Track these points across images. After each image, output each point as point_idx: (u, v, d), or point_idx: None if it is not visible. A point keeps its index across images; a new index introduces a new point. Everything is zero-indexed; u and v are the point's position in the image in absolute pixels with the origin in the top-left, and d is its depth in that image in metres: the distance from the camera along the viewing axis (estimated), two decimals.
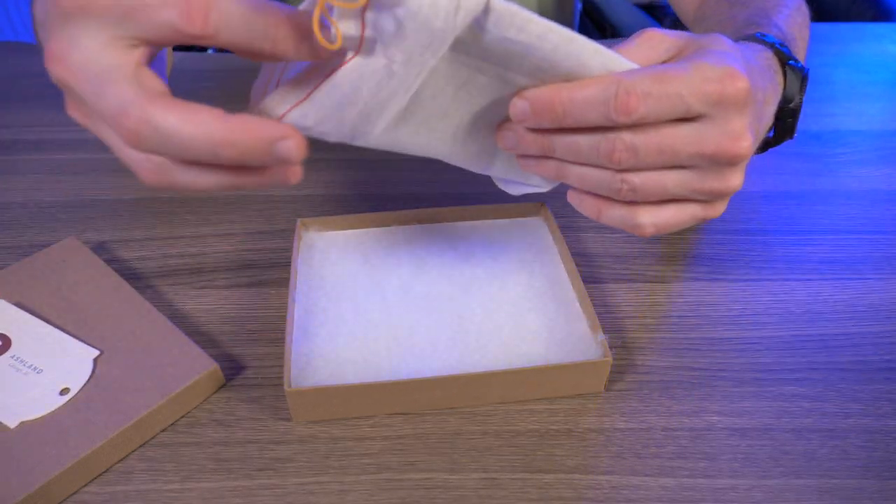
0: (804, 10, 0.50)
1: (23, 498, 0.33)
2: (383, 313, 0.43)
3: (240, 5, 0.26)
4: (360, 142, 0.32)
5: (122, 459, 0.37)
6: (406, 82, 0.29)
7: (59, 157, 0.60)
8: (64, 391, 0.38)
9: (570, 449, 0.38)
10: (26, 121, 0.64)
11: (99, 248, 0.50)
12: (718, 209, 0.35)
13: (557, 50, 0.29)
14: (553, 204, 0.52)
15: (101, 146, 0.61)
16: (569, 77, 0.31)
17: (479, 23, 0.28)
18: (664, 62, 0.34)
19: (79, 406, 0.37)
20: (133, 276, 0.47)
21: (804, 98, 0.41)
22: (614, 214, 0.35)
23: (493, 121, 0.35)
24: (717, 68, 0.30)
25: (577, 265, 0.45)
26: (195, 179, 0.28)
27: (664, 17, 1.42)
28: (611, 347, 0.41)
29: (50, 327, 0.41)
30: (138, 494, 0.35)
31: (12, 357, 0.39)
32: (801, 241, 0.51)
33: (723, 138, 0.31)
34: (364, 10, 0.27)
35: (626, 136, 0.31)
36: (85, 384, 0.38)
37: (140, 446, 0.38)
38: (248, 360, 0.42)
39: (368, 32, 0.28)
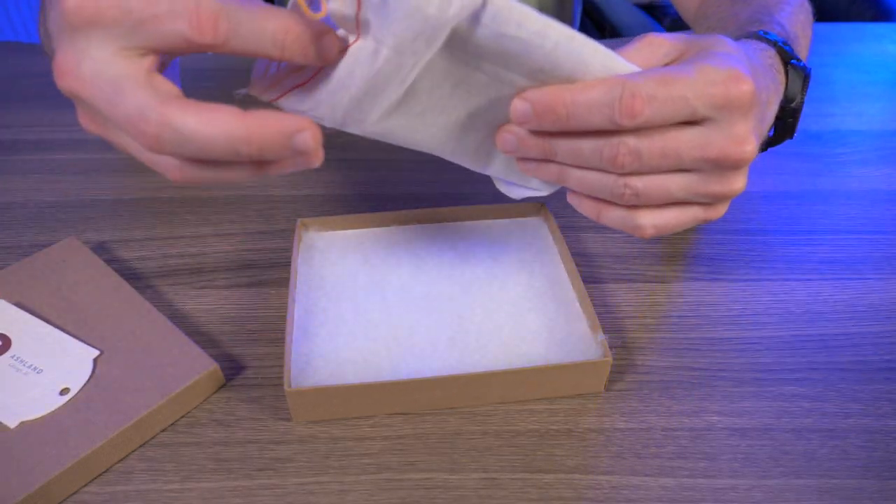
0: (807, 8, 0.50)
1: (23, 498, 0.33)
2: (383, 313, 0.43)
3: (248, 13, 0.26)
4: (354, 129, 0.32)
5: (122, 459, 0.37)
6: (400, 72, 0.29)
7: (59, 157, 0.60)
8: (64, 391, 0.38)
9: (570, 449, 0.38)
10: (26, 121, 0.64)
11: (99, 248, 0.50)
12: (720, 211, 0.35)
13: (558, 48, 0.29)
14: (553, 204, 0.52)
15: (102, 146, 0.61)
16: (569, 78, 0.30)
17: (476, 18, 0.27)
18: (665, 65, 0.34)
19: (79, 406, 0.37)
20: (133, 276, 0.47)
21: (805, 98, 0.41)
22: (614, 216, 0.35)
23: (492, 121, 0.35)
24: (721, 71, 0.30)
25: (577, 265, 0.45)
26: (218, 174, 0.28)
27: (664, 17, 1.42)
28: (611, 347, 0.41)
29: (50, 327, 0.41)
30: (138, 494, 0.35)
31: (12, 357, 0.39)
32: (801, 241, 0.51)
33: (727, 142, 0.31)
34: None
35: (630, 140, 0.31)
36: (85, 384, 0.38)
37: (140, 446, 0.38)
38: (248, 360, 0.42)
39: (364, 13, 0.28)
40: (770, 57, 0.39)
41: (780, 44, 0.40)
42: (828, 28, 0.83)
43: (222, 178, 0.29)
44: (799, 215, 0.54)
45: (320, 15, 0.27)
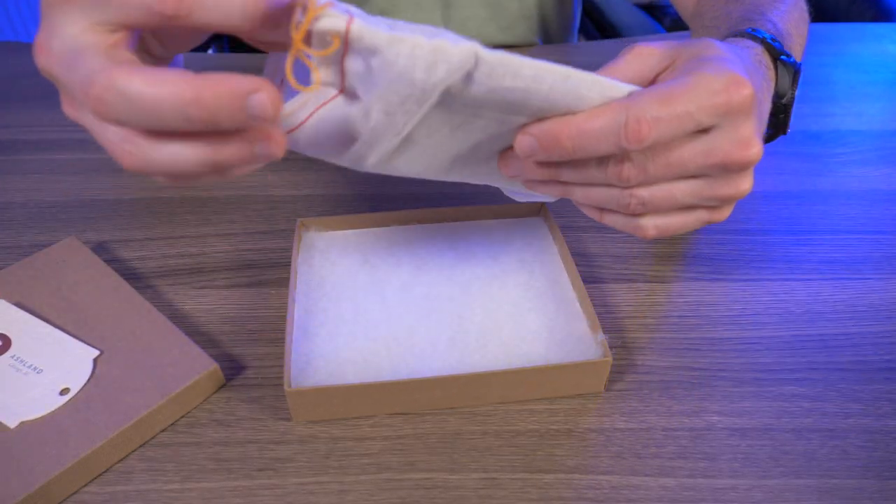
0: (802, 6, 0.50)
1: (23, 498, 0.33)
2: (383, 313, 0.43)
3: None
4: (355, 168, 0.32)
5: (122, 459, 0.37)
6: (393, 128, 0.29)
7: (59, 157, 0.60)
8: (64, 391, 0.38)
9: (570, 449, 0.38)
10: (26, 121, 0.64)
11: (99, 248, 0.50)
12: (725, 213, 0.35)
13: (554, 89, 0.29)
14: (553, 204, 0.52)
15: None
16: (569, 112, 0.30)
17: (470, 77, 0.27)
18: (657, 75, 0.34)
19: (79, 406, 0.37)
20: (133, 276, 0.47)
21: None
22: (617, 218, 0.35)
23: (494, 149, 0.35)
24: (719, 78, 0.30)
25: (577, 265, 0.45)
26: (172, 156, 0.26)
27: (664, 17, 1.42)
28: (611, 347, 0.41)
29: (50, 327, 0.41)
30: (138, 494, 0.35)
31: (12, 357, 0.39)
32: (801, 241, 0.51)
33: (732, 146, 0.31)
34: (344, 56, 0.27)
35: (634, 156, 0.31)
36: (85, 384, 0.38)
37: (140, 446, 0.38)
38: (248, 360, 0.42)
39: (349, 80, 0.28)
40: (758, 54, 0.39)
41: (768, 40, 0.40)
42: (828, 28, 0.83)
43: (176, 161, 0.26)
44: (799, 215, 0.54)
45: (312, 88, 0.27)
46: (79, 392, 0.38)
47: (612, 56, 0.34)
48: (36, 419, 0.36)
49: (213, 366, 0.39)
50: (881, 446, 0.38)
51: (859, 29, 0.84)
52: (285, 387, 0.36)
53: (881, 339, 0.44)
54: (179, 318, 0.44)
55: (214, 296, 0.46)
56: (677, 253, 0.50)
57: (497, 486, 0.36)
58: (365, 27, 0.25)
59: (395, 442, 0.38)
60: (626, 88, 0.31)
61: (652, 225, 0.34)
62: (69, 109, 0.29)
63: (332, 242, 0.49)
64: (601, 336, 0.40)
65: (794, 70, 0.40)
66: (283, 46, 0.29)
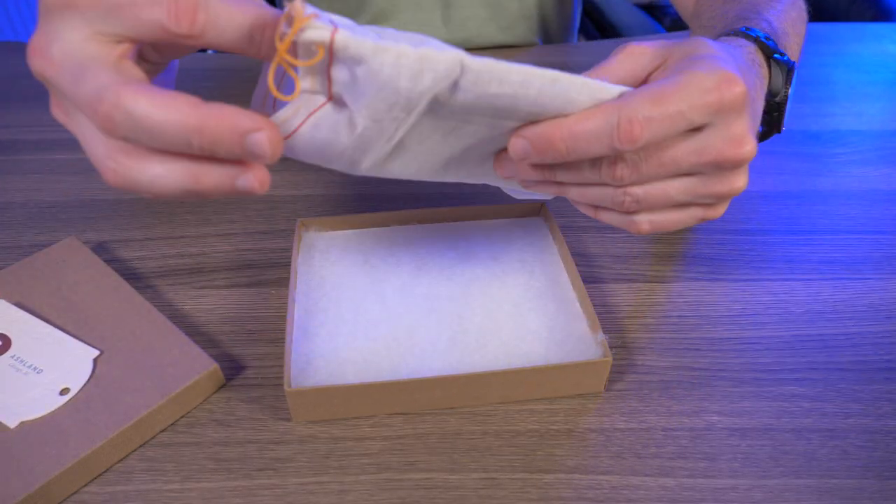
0: (800, 5, 0.50)
1: (23, 498, 0.33)
2: (383, 313, 0.43)
3: (227, 6, 0.26)
4: (350, 173, 0.32)
5: (122, 459, 0.37)
6: (384, 134, 0.29)
7: (59, 157, 0.60)
8: (64, 391, 0.38)
9: (570, 449, 0.38)
10: (26, 121, 0.64)
11: (99, 248, 0.50)
12: (720, 210, 0.35)
13: (542, 93, 0.29)
14: (553, 204, 0.52)
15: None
16: (559, 115, 0.30)
17: (456, 85, 0.27)
18: (649, 74, 0.34)
19: (79, 406, 0.37)
20: (133, 276, 0.47)
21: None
22: (612, 215, 0.35)
23: (489, 150, 0.35)
24: (711, 76, 0.30)
25: (577, 265, 0.45)
26: (155, 178, 0.26)
27: (664, 17, 1.42)
28: (611, 347, 0.41)
29: (50, 327, 0.41)
30: (138, 494, 0.35)
31: (12, 357, 0.39)
32: (801, 241, 0.51)
33: (725, 144, 0.31)
34: (330, 66, 0.27)
35: (628, 155, 0.31)
36: (85, 384, 0.38)
37: (140, 446, 0.38)
38: (248, 360, 0.42)
39: (336, 89, 0.28)
40: (751, 52, 0.39)
41: (762, 39, 0.40)
42: (828, 28, 0.83)
43: (160, 184, 0.27)
44: (799, 215, 0.54)
45: (293, 97, 0.27)
46: (79, 392, 0.38)
47: None
48: (36, 419, 0.36)
49: (213, 366, 0.39)
50: (881, 446, 0.38)
51: (859, 29, 0.84)
52: (285, 387, 0.36)
53: (881, 339, 0.44)
54: (179, 318, 0.44)
55: (214, 296, 0.46)
56: (677, 253, 0.50)
57: (497, 486, 0.36)
58: (350, 37, 0.25)
59: (395, 442, 0.38)
60: (617, 90, 0.31)
61: (647, 221, 0.34)
62: (58, 112, 0.29)
63: (332, 242, 0.49)
64: (601, 336, 0.40)
65: (788, 68, 0.40)
66: None
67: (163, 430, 0.38)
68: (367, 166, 0.31)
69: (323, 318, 0.43)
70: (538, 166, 0.34)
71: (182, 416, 0.39)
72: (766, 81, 0.39)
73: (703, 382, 0.41)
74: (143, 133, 0.25)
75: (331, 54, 0.26)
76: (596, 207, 0.36)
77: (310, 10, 0.25)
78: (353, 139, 0.29)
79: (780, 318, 0.45)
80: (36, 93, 0.68)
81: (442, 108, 0.29)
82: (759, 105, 0.38)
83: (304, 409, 0.38)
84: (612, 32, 1.12)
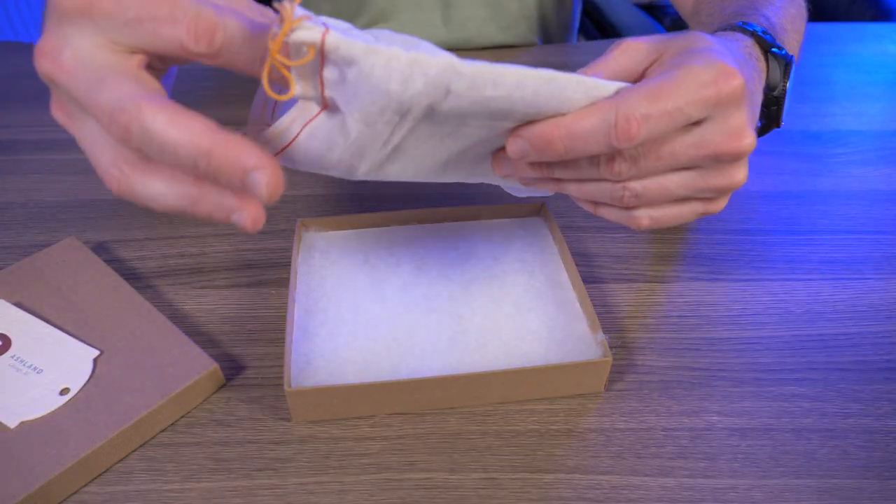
0: (799, 3, 0.50)
1: (23, 498, 0.33)
2: (383, 313, 0.43)
3: (243, 29, 0.26)
4: (348, 178, 0.32)
5: (122, 459, 0.37)
6: (378, 138, 0.29)
7: (59, 157, 0.60)
8: (64, 391, 0.38)
9: (570, 449, 0.38)
10: (26, 121, 0.64)
11: (99, 248, 0.50)
12: (720, 205, 0.35)
13: (538, 93, 0.29)
14: (553, 204, 0.52)
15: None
16: (556, 114, 0.30)
17: (450, 91, 0.27)
18: (645, 69, 0.34)
19: (79, 406, 0.37)
20: (133, 276, 0.47)
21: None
22: (611, 211, 0.35)
23: (486, 150, 0.35)
24: (708, 70, 0.30)
25: (577, 265, 0.45)
26: (155, 194, 0.27)
27: (664, 17, 1.42)
28: (611, 347, 0.41)
29: (50, 327, 0.41)
30: (138, 494, 0.35)
31: (12, 357, 0.39)
32: (801, 241, 0.51)
33: (724, 138, 0.31)
34: (321, 68, 0.27)
35: (627, 151, 0.31)
36: (85, 384, 0.38)
37: (140, 446, 0.38)
38: (248, 360, 0.42)
39: (328, 92, 0.28)
40: (748, 47, 0.39)
41: (759, 33, 0.40)
42: (828, 28, 0.83)
43: (159, 199, 0.27)
44: (799, 215, 0.54)
45: (288, 96, 0.27)
46: (79, 392, 0.38)
47: None
48: (36, 419, 0.36)
49: (213, 366, 0.39)
50: (881, 446, 0.38)
51: (859, 29, 0.84)
52: (285, 387, 0.36)
53: (881, 339, 0.44)
54: (179, 318, 0.44)
55: (214, 296, 0.46)
56: (677, 253, 0.50)
57: (497, 486, 0.36)
58: (341, 38, 0.25)
59: (395, 442, 0.38)
60: (613, 86, 0.30)
61: (646, 216, 0.34)
62: (59, 114, 0.29)
63: (332, 242, 0.49)
64: (601, 336, 0.40)
65: (786, 62, 0.40)
66: None
67: (163, 430, 0.38)
68: (364, 171, 0.31)
69: (323, 318, 0.43)
70: (536, 164, 0.34)
71: (182, 416, 0.39)
72: (763, 75, 0.39)
73: (703, 382, 0.41)
74: (155, 147, 0.25)
75: (322, 56, 0.26)
76: (595, 203, 0.36)
77: (300, 12, 0.25)
78: (348, 145, 0.29)
79: (780, 318, 0.45)
80: (36, 93, 0.68)
81: (438, 113, 0.29)
82: (758, 98, 0.38)
83: (304, 409, 0.38)
84: (612, 32, 1.12)
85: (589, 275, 0.48)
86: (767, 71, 0.40)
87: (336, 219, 0.49)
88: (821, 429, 0.39)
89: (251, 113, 0.33)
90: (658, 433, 0.38)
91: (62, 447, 0.35)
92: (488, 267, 0.47)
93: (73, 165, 0.58)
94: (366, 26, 0.74)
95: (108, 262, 0.47)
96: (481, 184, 0.56)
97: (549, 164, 0.34)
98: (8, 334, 0.40)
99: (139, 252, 0.50)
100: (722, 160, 0.31)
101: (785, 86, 0.40)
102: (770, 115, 0.42)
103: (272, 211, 0.54)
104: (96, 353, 0.40)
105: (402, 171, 0.33)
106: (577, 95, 0.30)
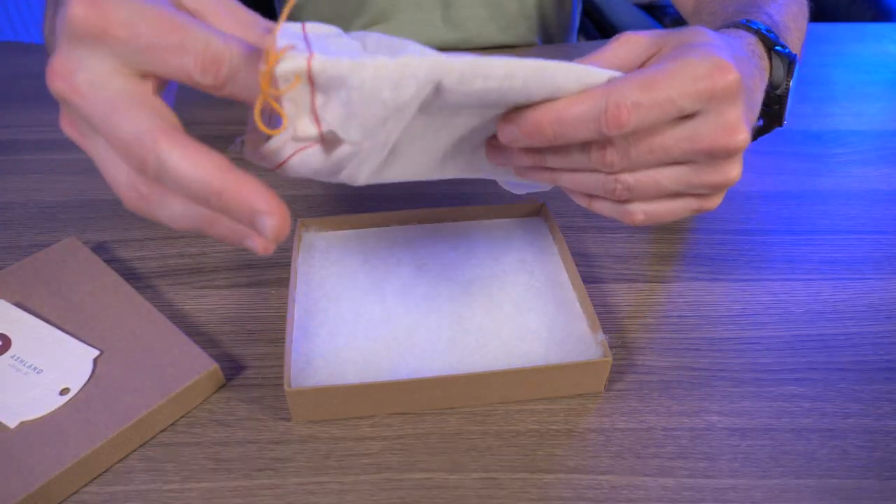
0: (801, 1, 0.50)
1: (23, 498, 0.33)
2: (383, 313, 0.43)
3: (249, 62, 0.27)
4: (350, 184, 0.32)
5: (122, 459, 0.37)
6: (377, 146, 0.29)
7: (59, 157, 0.60)
8: (64, 391, 0.38)
9: (570, 449, 0.38)
10: (26, 121, 0.64)
11: (99, 248, 0.50)
12: (715, 201, 0.34)
13: (528, 83, 0.28)
14: (553, 204, 0.52)
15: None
16: (546, 100, 0.30)
17: (441, 87, 0.27)
18: (644, 63, 0.33)
19: (79, 406, 0.37)
20: (133, 276, 0.47)
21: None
22: (605, 204, 0.35)
23: (480, 138, 0.35)
24: (704, 63, 0.29)
25: (577, 265, 0.45)
26: (171, 214, 0.28)
27: (664, 17, 1.42)
28: (611, 347, 0.41)
29: (50, 327, 0.41)
30: (138, 494, 0.35)
31: (12, 357, 0.39)
32: (801, 241, 0.51)
33: (718, 133, 0.30)
34: (313, 100, 0.27)
35: (617, 141, 0.31)
36: (85, 384, 0.38)
37: (140, 446, 0.38)
38: (248, 360, 0.42)
39: (325, 128, 0.28)
40: (751, 44, 0.38)
41: (762, 31, 0.39)
42: (828, 28, 0.83)
43: (174, 220, 0.28)
44: (799, 215, 0.54)
45: (280, 130, 0.28)
46: (79, 392, 0.38)
47: None
48: (36, 419, 0.36)
49: (213, 366, 0.39)
50: (881, 446, 0.38)
51: (859, 29, 0.84)
52: (285, 387, 0.36)
53: (881, 339, 0.44)
54: (179, 318, 0.44)
55: (214, 296, 0.46)
56: (677, 253, 0.50)
57: (497, 486, 0.36)
58: (326, 60, 0.26)
59: (395, 442, 0.38)
60: (606, 74, 0.30)
61: (640, 210, 0.34)
62: (70, 130, 0.29)
63: (332, 242, 0.49)
64: (601, 336, 0.40)
65: (789, 61, 0.39)
66: None
67: (163, 430, 0.38)
68: (365, 177, 0.31)
69: (323, 318, 0.43)
70: (528, 151, 0.33)
71: (182, 416, 0.39)
72: (766, 73, 0.39)
73: (703, 382, 0.41)
74: (169, 181, 0.26)
75: (311, 83, 0.26)
76: (590, 197, 0.35)
77: (283, 42, 0.26)
78: (350, 161, 0.29)
79: (780, 318, 0.45)
80: (36, 93, 0.68)
81: (430, 108, 0.29)
82: (758, 96, 0.37)
83: (304, 409, 0.38)
84: (612, 32, 1.11)
85: (589, 275, 0.48)
86: (771, 69, 0.39)
87: (336, 219, 0.49)
88: (821, 429, 0.39)
89: (247, 130, 0.33)
90: (658, 433, 0.38)
91: (62, 447, 0.35)
92: (488, 267, 0.47)
93: (73, 165, 0.58)
94: (365, 26, 0.74)
95: (108, 262, 0.47)
96: (481, 184, 0.56)
97: (540, 152, 0.33)
98: (8, 334, 0.40)
99: (139, 252, 0.50)
100: (715, 155, 0.31)
101: (788, 84, 0.40)
102: (773, 114, 0.41)
103: None
104: (96, 353, 0.40)
105: (402, 171, 0.33)
106: (569, 83, 0.29)
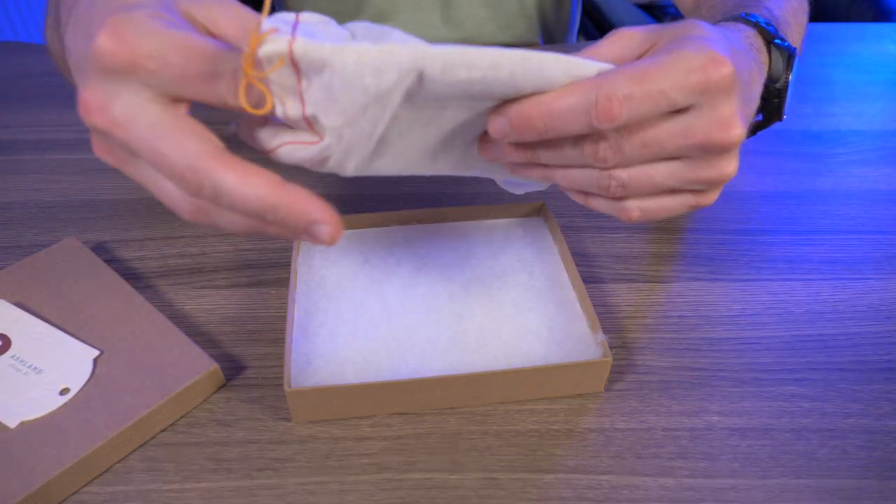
0: None
1: (23, 498, 0.33)
2: (383, 313, 0.43)
3: None
4: (338, 174, 0.33)
5: (122, 459, 0.37)
6: (363, 136, 0.29)
7: (59, 157, 0.60)
8: (64, 391, 0.38)
9: (570, 449, 0.38)
10: (26, 121, 0.64)
11: (99, 248, 0.50)
12: (712, 197, 0.34)
13: (515, 73, 0.28)
14: (553, 204, 0.52)
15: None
16: (536, 94, 0.30)
17: (425, 77, 0.27)
18: (638, 57, 0.33)
19: (79, 406, 0.37)
20: (133, 276, 0.47)
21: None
22: (601, 201, 0.34)
23: (472, 133, 0.34)
24: (698, 56, 0.29)
25: (577, 265, 0.45)
26: (229, 222, 0.29)
27: (664, 17, 1.42)
28: (611, 347, 0.41)
29: (50, 327, 0.41)
30: (138, 494, 0.35)
31: (12, 357, 0.39)
32: (801, 241, 0.51)
33: (712, 127, 0.30)
34: (299, 83, 0.27)
35: (610, 135, 0.30)
36: (85, 384, 0.38)
37: (140, 446, 0.38)
38: (248, 360, 0.42)
39: (309, 111, 0.28)
40: (750, 37, 0.38)
41: (762, 24, 0.39)
42: (828, 28, 0.83)
43: (234, 225, 0.30)
44: (799, 215, 0.54)
45: (265, 110, 0.28)
46: (79, 392, 0.38)
47: None
48: (36, 419, 0.36)
49: (213, 366, 0.39)
50: (881, 446, 0.38)
51: (859, 29, 0.84)
52: (285, 387, 0.36)
53: (881, 339, 0.44)
54: (179, 318, 0.44)
55: (214, 296, 0.46)
56: (677, 253, 0.50)
57: (497, 486, 0.36)
58: (308, 43, 0.26)
59: (395, 442, 0.38)
60: (595, 67, 0.30)
61: (636, 207, 0.33)
62: (107, 156, 0.30)
63: None
64: (601, 336, 0.40)
65: (789, 54, 0.39)
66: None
67: (163, 430, 0.38)
68: (352, 168, 0.31)
69: (323, 318, 0.43)
70: (520, 146, 0.33)
71: (182, 416, 0.39)
72: (765, 67, 0.39)
73: (703, 382, 0.41)
74: (227, 202, 0.27)
75: (295, 66, 0.27)
76: (586, 194, 0.35)
77: (268, 25, 0.26)
78: (334, 151, 0.30)
79: (780, 318, 0.45)
80: (36, 93, 0.68)
81: (416, 100, 0.29)
82: (755, 90, 0.37)
83: (304, 409, 0.38)
84: None
85: (589, 275, 0.48)
86: (770, 63, 0.39)
87: None
88: (821, 429, 0.39)
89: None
90: (658, 433, 0.38)
91: (62, 447, 0.35)
92: (488, 267, 0.47)
93: (73, 165, 0.58)
94: None
95: (108, 262, 0.47)
96: (481, 184, 0.56)
97: (532, 147, 0.33)
98: (8, 334, 0.40)
99: (139, 252, 0.50)
100: (710, 150, 0.31)
101: (787, 78, 0.40)
102: (772, 108, 0.41)
103: None
104: (96, 353, 0.40)
105: (392, 164, 0.33)
106: (557, 74, 0.29)
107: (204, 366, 0.39)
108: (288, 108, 0.28)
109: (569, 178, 0.34)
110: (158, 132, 0.27)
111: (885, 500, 0.35)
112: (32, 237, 0.51)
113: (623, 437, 0.38)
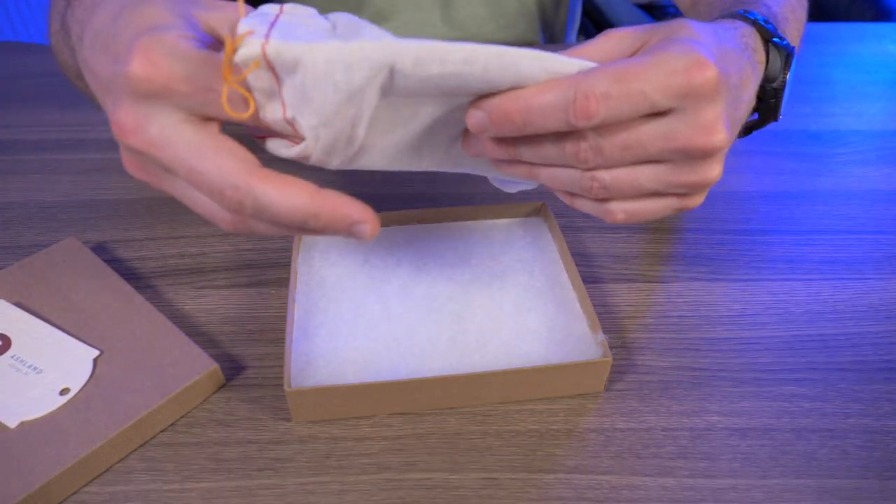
0: None
1: (23, 498, 0.33)
2: (383, 313, 0.43)
3: None
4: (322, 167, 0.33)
5: (122, 459, 0.37)
6: (342, 136, 0.29)
7: (59, 157, 0.60)
8: (64, 391, 0.38)
9: (570, 449, 0.38)
10: (26, 121, 0.64)
11: (99, 248, 0.50)
12: (696, 201, 0.34)
13: (489, 69, 0.28)
14: (553, 204, 0.52)
15: (102, 146, 0.61)
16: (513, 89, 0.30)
17: (397, 71, 0.27)
18: (628, 57, 0.33)
19: (79, 406, 0.37)
20: (133, 276, 0.47)
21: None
22: (586, 202, 0.34)
23: (455, 129, 0.34)
24: (681, 58, 0.28)
25: (577, 265, 0.45)
26: (267, 228, 0.30)
27: (664, 17, 1.42)
28: (611, 347, 0.41)
29: (50, 327, 0.41)
30: (138, 494, 0.35)
31: (12, 357, 0.39)
32: (801, 241, 0.51)
33: (694, 132, 0.29)
34: (278, 82, 0.27)
35: (590, 136, 0.30)
36: (85, 384, 0.38)
37: (140, 446, 0.38)
38: (248, 360, 0.42)
39: (289, 113, 0.28)
40: (746, 35, 0.38)
41: (760, 22, 0.39)
42: (828, 28, 0.83)
43: (268, 233, 0.31)
44: (799, 215, 0.54)
45: (248, 114, 0.28)
46: (79, 392, 0.38)
47: None
48: (36, 419, 0.36)
49: (213, 366, 0.39)
50: (881, 446, 0.38)
51: (859, 29, 0.84)
52: (285, 387, 0.36)
53: (881, 339, 0.44)
54: (179, 318, 0.44)
55: (214, 296, 0.46)
56: (677, 253, 0.50)
57: (497, 486, 0.36)
58: (280, 44, 0.26)
59: (395, 442, 0.38)
60: (576, 65, 0.29)
61: (620, 209, 0.33)
62: (140, 173, 0.31)
63: (332, 242, 0.49)
64: (601, 336, 0.40)
65: (787, 53, 0.38)
66: None
67: (163, 430, 0.38)
68: (336, 164, 0.31)
69: (323, 318, 0.43)
70: (501, 143, 0.33)
71: (182, 416, 0.39)
72: (761, 67, 0.38)
73: (703, 382, 0.41)
74: (268, 216, 0.28)
75: (273, 71, 0.27)
76: (572, 196, 0.35)
77: (244, 27, 0.26)
78: (310, 148, 0.30)
79: (780, 318, 0.45)
80: (36, 93, 0.68)
81: (392, 96, 0.29)
82: (747, 93, 0.36)
83: (304, 409, 0.38)
84: None
85: (589, 275, 0.48)
86: (767, 62, 0.39)
87: None
88: (821, 429, 0.39)
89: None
90: (658, 433, 0.38)
91: (62, 447, 0.35)
92: (488, 267, 0.47)
93: (73, 165, 0.58)
94: None
95: (108, 262, 0.47)
96: (481, 184, 0.56)
97: (514, 144, 0.33)
98: (8, 334, 0.40)
99: (139, 252, 0.50)
100: (691, 155, 0.30)
101: (785, 78, 0.39)
102: (768, 108, 0.40)
103: None
104: (96, 353, 0.40)
105: (376, 160, 0.33)
106: (535, 71, 0.29)
107: (204, 366, 0.39)
108: (270, 111, 0.29)
109: (553, 177, 0.34)
110: (195, 152, 0.27)
111: (885, 500, 0.35)
112: (32, 237, 0.51)
113: (623, 437, 0.38)
